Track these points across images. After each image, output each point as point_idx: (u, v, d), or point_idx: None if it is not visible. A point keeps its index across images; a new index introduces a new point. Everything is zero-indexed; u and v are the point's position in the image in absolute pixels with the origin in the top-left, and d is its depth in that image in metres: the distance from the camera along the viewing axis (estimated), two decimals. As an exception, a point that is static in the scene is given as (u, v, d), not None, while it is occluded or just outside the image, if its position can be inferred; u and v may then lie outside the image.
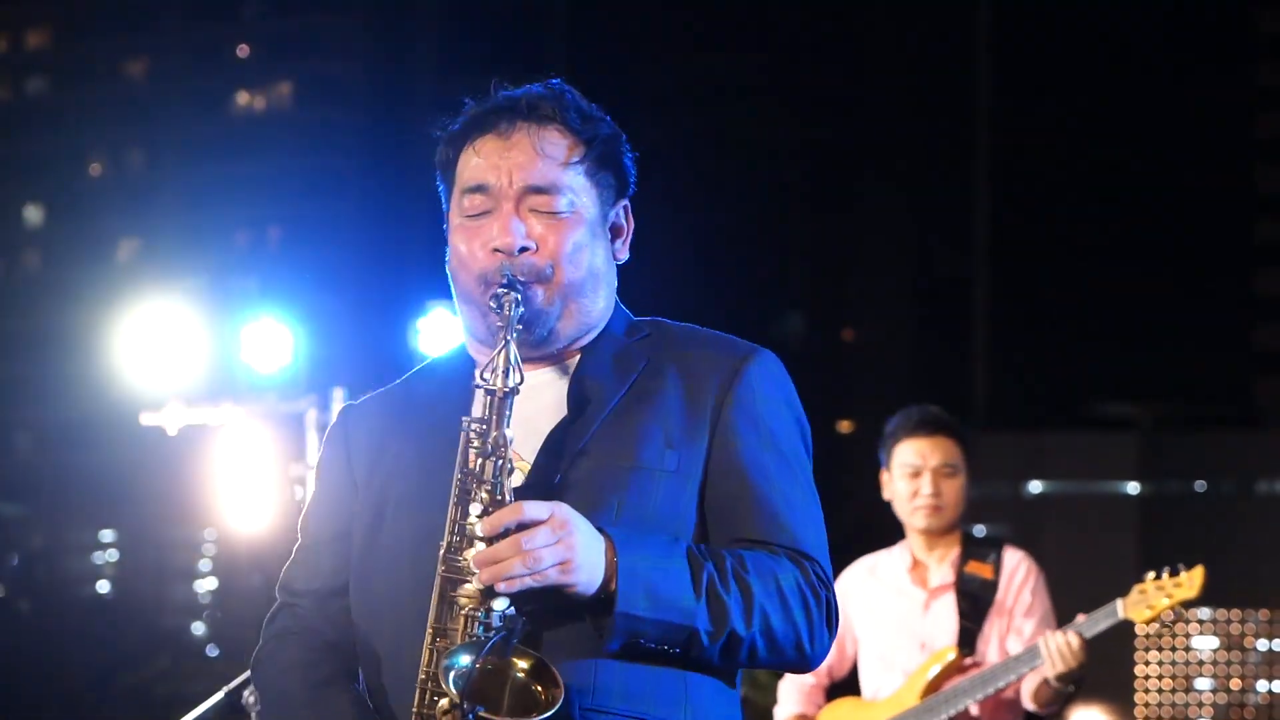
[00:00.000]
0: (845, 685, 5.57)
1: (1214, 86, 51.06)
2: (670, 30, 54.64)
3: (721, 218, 52.84)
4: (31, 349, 49.94)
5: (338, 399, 9.54)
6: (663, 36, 54.55)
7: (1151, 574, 5.07)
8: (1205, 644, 41.57)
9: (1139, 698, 41.11)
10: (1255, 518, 43.81)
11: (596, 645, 2.51)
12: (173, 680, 33.45)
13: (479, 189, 2.67)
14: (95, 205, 54.44)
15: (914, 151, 54.63)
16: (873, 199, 55.19)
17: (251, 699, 4.41)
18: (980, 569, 5.30)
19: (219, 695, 4.57)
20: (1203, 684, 41.67)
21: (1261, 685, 41.66)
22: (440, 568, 2.51)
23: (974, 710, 5.22)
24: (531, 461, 2.62)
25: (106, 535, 47.84)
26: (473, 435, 2.53)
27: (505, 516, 2.46)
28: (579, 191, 2.68)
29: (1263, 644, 41.89)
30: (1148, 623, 5.02)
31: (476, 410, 2.55)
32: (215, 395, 10.31)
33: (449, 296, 2.79)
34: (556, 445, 2.62)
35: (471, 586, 2.47)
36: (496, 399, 2.54)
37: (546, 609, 2.48)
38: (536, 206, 2.66)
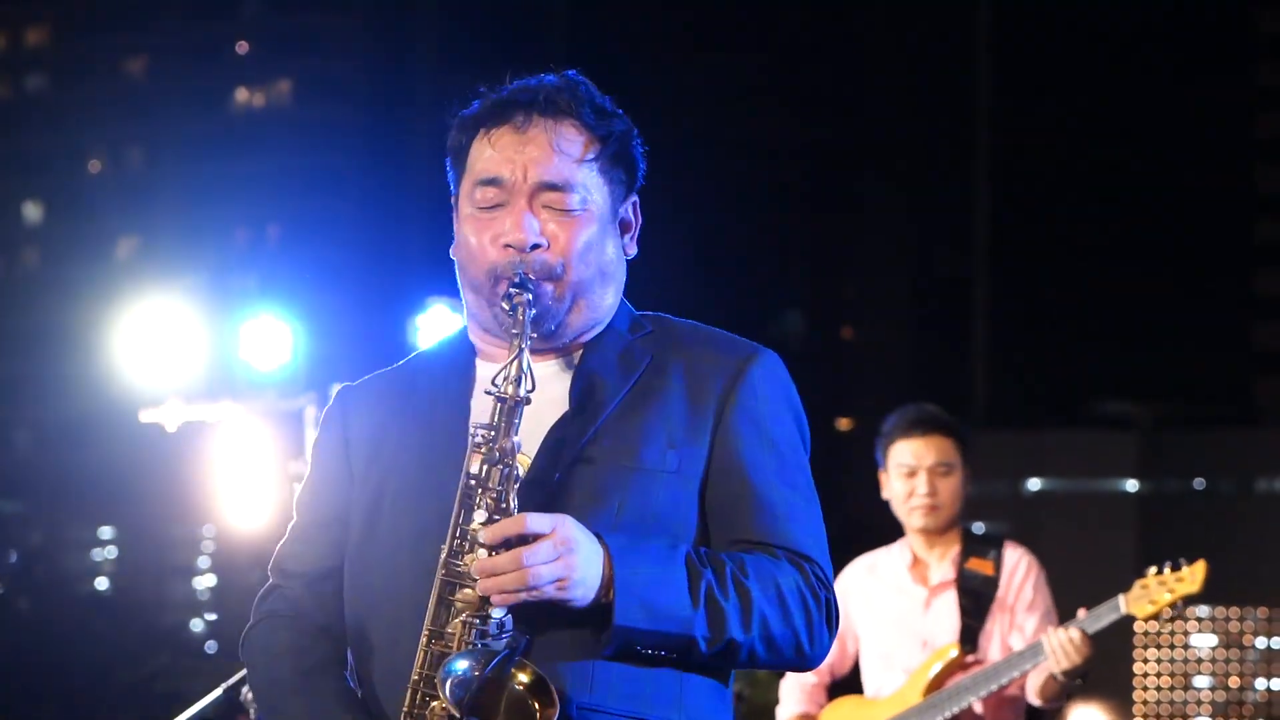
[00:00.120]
0: (847, 683, 5.57)
1: (1214, 86, 51.06)
2: (670, 30, 54.65)
3: (722, 217, 52.85)
4: (31, 346, 49.94)
5: (336, 396, 9.53)
6: (663, 36, 54.55)
7: (1153, 569, 5.07)
8: (1204, 642, 41.59)
9: (1138, 695, 41.12)
10: (1254, 516, 43.83)
11: (594, 647, 2.51)
12: (172, 677, 33.45)
13: (492, 182, 2.66)
14: (95, 203, 54.44)
15: (914, 151, 54.64)
16: (873, 198, 55.19)
17: (250, 696, 4.41)
18: (981, 566, 5.29)
19: (218, 692, 4.57)
20: (1201, 681, 41.68)
21: (1260, 683, 41.68)
22: (440, 571, 2.51)
23: (977, 708, 5.22)
24: (533, 457, 2.61)
25: (106, 532, 47.84)
26: (480, 441, 2.52)
27: (508, 528, 2.45)
28: (592, 188, 2.67)
29: (1261, 641, 41.90)
30: (1149, 618, 5.02)
31: (485, 416, 2.55)
32: (214, 392, 10.31)
33: (448, 294, 2.79)
34: (558, 441, 2.62)
35: (470, 592, 2.47)
36: (507, 407, 2.53)
37: (545, 612, 2.49)
38: (550, 203, 2.65)
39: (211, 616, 44.28)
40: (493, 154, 2.67)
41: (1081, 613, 5.04)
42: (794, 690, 5.61)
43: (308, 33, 55.13)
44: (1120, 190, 51.90)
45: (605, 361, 2.68)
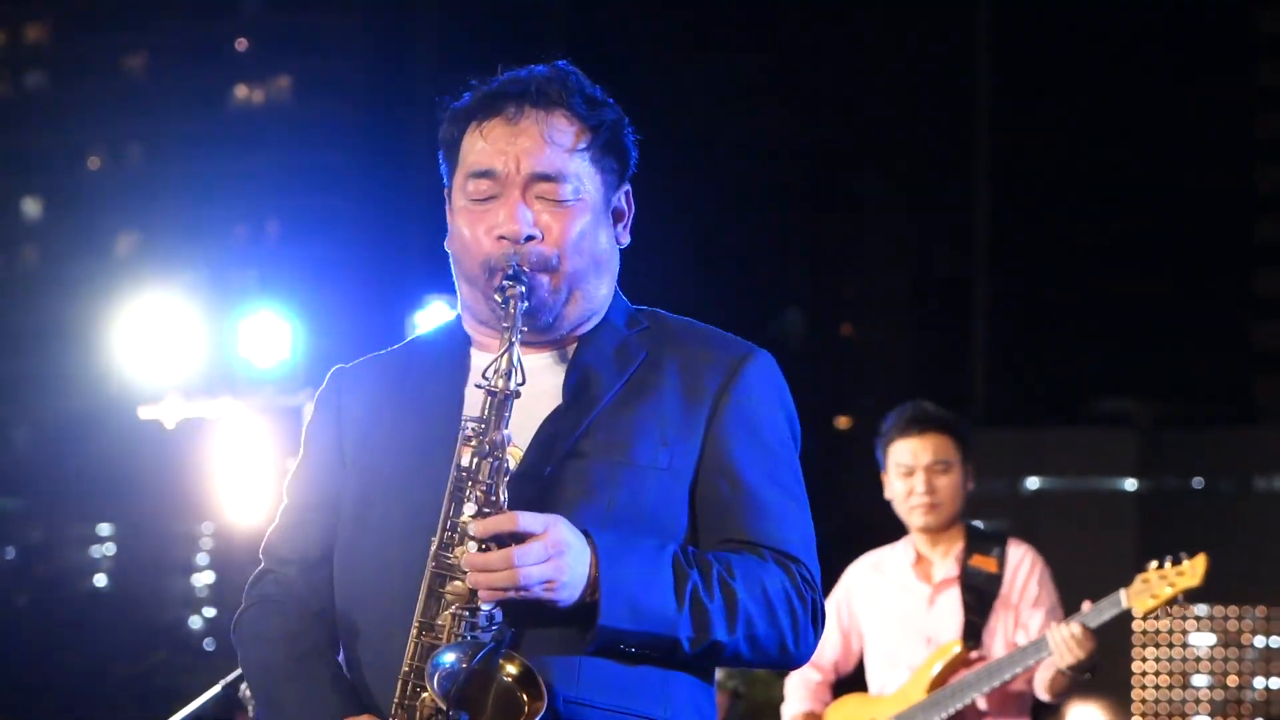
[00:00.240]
0: (852, 681, 5.58)
1: (1214, 86, 51.07)
2: (670, 30, 54.65)
3: (722, 215, 52.85)
4: (30, 343, 49.93)
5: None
6: (663, 36, 54.56)
7: (1154, 563, 5.08)
8: (1202, 640, 41.60)
9: (1136, 694, 41.14)
10: (1253, 515, 43.84)
11: (580, 642, 2.52)
12: (170, 673, 33.47)
13: (486, 174, 2.66)
14: (94, 199, 54.43)
15: (914, 150, 54.65)
16: (873, 197, 55.20)
17: (248, 693, 4.41)
18: (984, 563, 5.30)
19: (216, 688, 4.57)
20: (1200, 680, 41.69)
21: (1258, 681, 41.69)
22: (430, 563, 2.52)
23: (981, 704, 5.23)
24: (524, 449, 2.61)
25: (104, 528, 47.84)
26: (470, 434, 2.52)
27: (500, 524, 2.46)
28: (584, 178, 2.67)
29: (1260, 640, 41.91)
30: (1151, 611, 5.03)
31: (476, 409, 2.55)
32: (213, 389, 10.31)
33: (447, 291, 2.79)
34: (550, 435, 2.62)
35: (460, 584, 2.48)
36: (497, 400, 2.53)
37: (533, 606, 2.49)
38: (543, 194, 2.65)
39: (210, 613, 44.29)
40: (485, 146, 2.67)
41: (1086, 605, 5.05)
42: (799, 688, 5.61)
43: (307, 30, 55.13)
44: (1120, 189, 51.92)
45: (600, 356, 2.68)
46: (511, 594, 2.45)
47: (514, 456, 2.56)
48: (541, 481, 2.58)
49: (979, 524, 5.50)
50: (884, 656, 5.39)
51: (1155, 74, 51.63)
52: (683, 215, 46.81)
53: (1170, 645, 42.24)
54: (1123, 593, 5.04)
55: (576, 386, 2.65)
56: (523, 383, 2.53)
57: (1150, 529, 43.66)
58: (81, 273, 48.79)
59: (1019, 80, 53.43)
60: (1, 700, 30.90)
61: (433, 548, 2.52)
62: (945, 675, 5.23)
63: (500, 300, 2.58)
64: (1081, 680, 5.05)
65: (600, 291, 2.70)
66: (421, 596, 2.52)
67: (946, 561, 5.32)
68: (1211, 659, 42.36)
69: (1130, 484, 46.84)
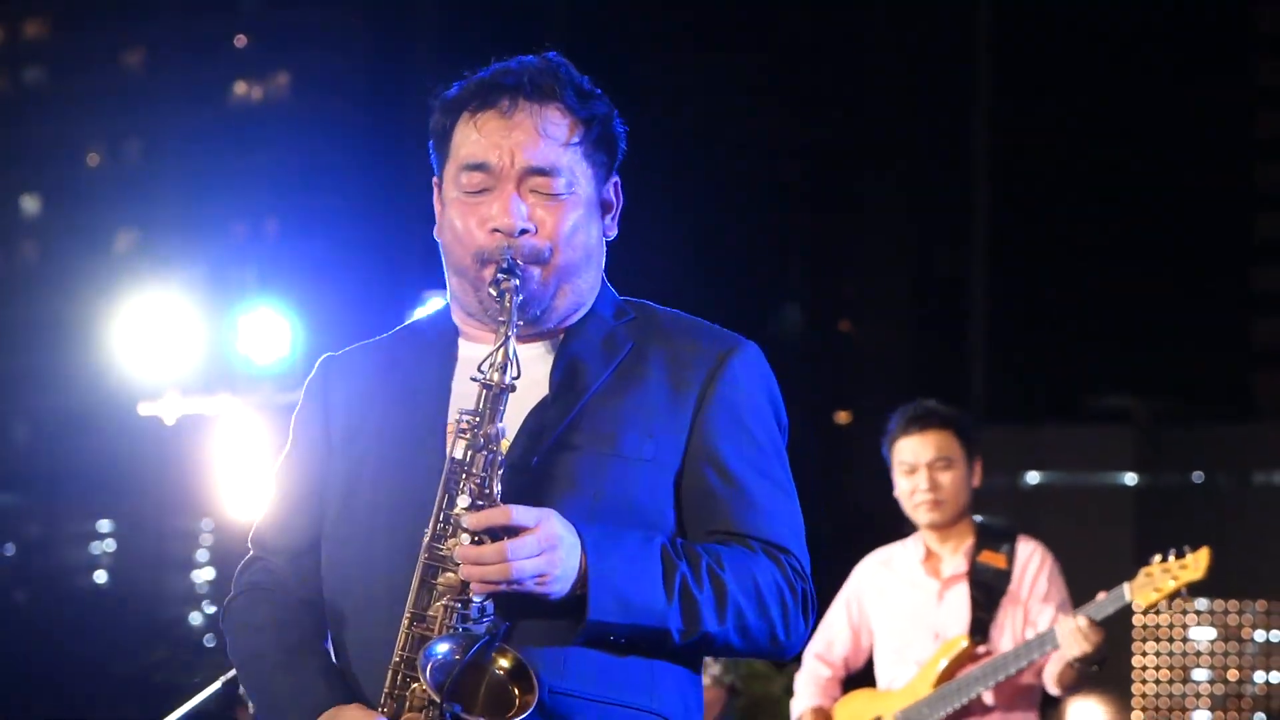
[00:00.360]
0: (862, 677, 5.60)
1: (1213, 85, 51.10)
2: (670, 28, 54.65)
3: (722, 213, 52.85)
4: (29, 339, 49.92)
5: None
6: (662, 34, 54.56)
7: (1158, 556, 5.10)
8: (1202, 635, 41.59)
9: (1136, 688, 41.12)
10: (1252, 510, 43.85)
11: (568, 633, 2.53)
12: (170, 670, 33.43)
13: (480, 167, 2.67)
14: (92, 195, 54.42)
15: (913, 147, 54.65)
16: (872, 194, 55.19)
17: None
18: (994, 559, 5.33)
19: (217, 684, 4.58)
20: (1200, 675, 41.68)
21: (1259, 676, 41.68)
22: (423, 554, 2.52)
23: (988, 698, 5.24)
24: (511, 439, 2.62)
25: (104, 525, 47.84)
26: (465, 427, 2.53)
27: (494, 518, 2.47)
28: (577, 172, 2.68)
29: (1260, 635, 41.90)
30: (1154, 604, 5.05)
31: (466, 399, 2.56)
32: (212, 386, 10.32)
33: (445, 287, 2.79)
34: (537, 426, 2.63)
35: (452, 576, 2.49)
36: (492, 394, 2.54)
37: (521, 598, 2.50)
38: (537, 187, 2.66)
39: (210, 609, 44.26)
40: (479, 138, 2.68)
41: (1101, 596, 5.06)
42: (809, 683, 5.63)
43: (306, 27, 55.13)
44: (1119, 186, 51.95)
45: (587, 347, 2.69)
46: (503, 587, 2.47)
47: (501, 447, 2.57)
48: (528, 472, 2.59)
49: (989, 521, 5.51)
50: (893, 652, 5.41)
51: (1154, 73, 51.67)
52: (683, 212, 46.84)
53: (1170, 640, 42.24)
54: (1126, 586, 5.06)
55: (563, 377, 2.66)
56: (518, 376, 2.54)
57: (1149, 524, 43.69)
58: (80, 269, 48.76)
59: (1018, 77, 53.45)
60: (0, 697, 30.91)
61: (425, 539, 2.53)
62: (952, 670, 5.25)
63: (495, 294, 2.59)
64: (1089, 672, 5.07)
65: (589, 283, 2.72)
66: (413, 587, 2.53)
67: (956, 558, 5.34)
68: (1212, 653, 42.35)
69: (1129, 479, 46.86)
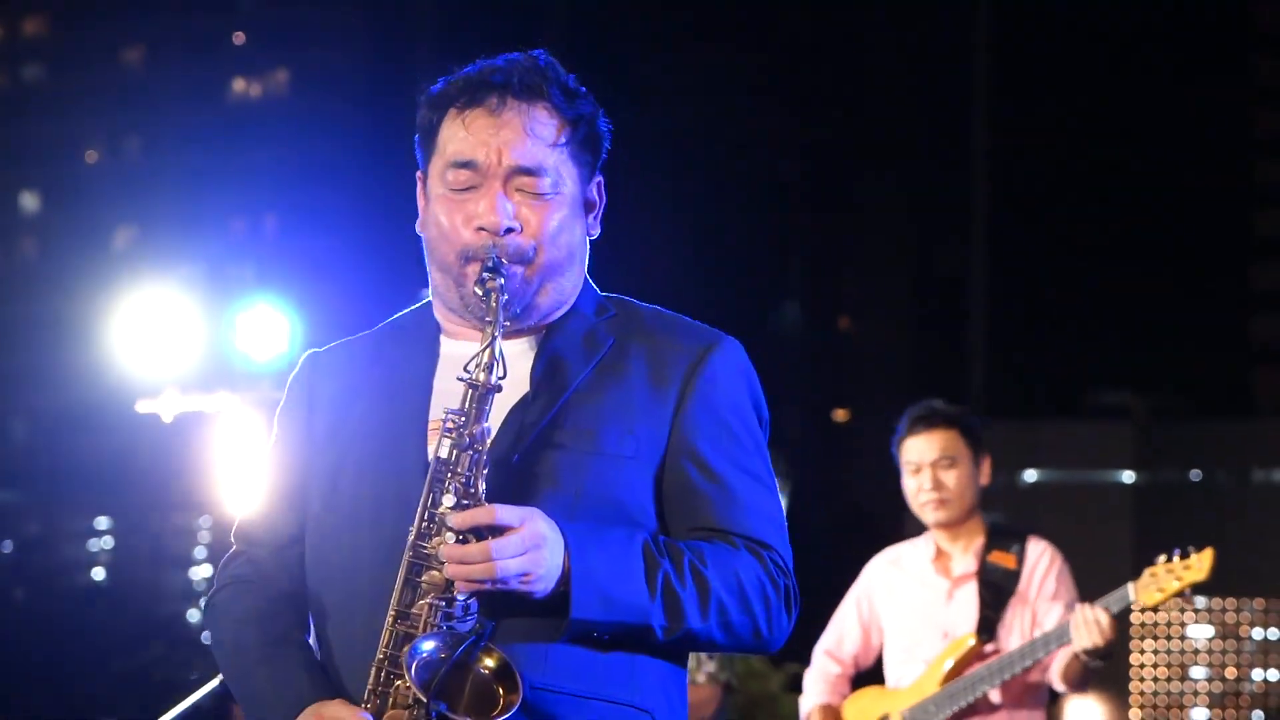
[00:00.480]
0: (871, 675, 5.61)
1: (1212, 83, 51.11)
2: (670, 26, 54.66)
3: (720, 210, 52.88)
4: (27, 336, 49.92)
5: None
6: (662, 32, 54.57)
7: (1163, 557, 5.11)
8: (1200, 633, 41.60)
9: (1134, 686, 41.14)
10: (1251, 508, 43.86)
11: (550, 630, 2.54)
12: (168, 667, 33.49)
13: (467, 164, 2.68)
14: (92, 192, 54.42)
15: (912, 145, 54.66)
16: (871, 192, 55.20)
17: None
18: (1003, 559, 5.34)
19: (215, 682, 4.57)
20: (1198, 672, 41.69)
21: (1257, 674, 41.70)
22: (408, 552, 2.53)
23: (995, 697, 5.26)
24: (493, 437, 2.63)
25: (102, 522, 47.83)
26: (451, 426, 2.54)
27: (479, 517, 2.48)
28: (562, 171, 2.69)
29: (1258, 632, 41.92)
30: (1158, 605, 5.07)
31: (448, 395, 2.57)
32: (211, 383, 10.31)
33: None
34: (518, 423, 2.64)
35: (437, 574, 2.50)
36: (478, 394, 2.55)
37: (503, 595, 2.51)
38: (523, 186, 2.67)
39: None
40: (466, 136, 2.69)
41: (1131, 587, 5.07)
42: (818, 680, 5.65)
43: (305, 24, 55.12)
44: (1118, 184, 51.97)
45: (568, 343, 2.70)
46: (487, 585, 2.47)
47: (486, 447, 2.58)
48: (510, 470, 2.60)
49: (1000, 520, 5.52)
50: (902, 651, 5.43)
51: (1153, 71, 51.69)
52: (683, 211, 46.87)
53: (1168, 637, 42.26)
54: (1130, 586, 5.07)
55: (545, 375, 2.67)
56: (504, 376, 2.55)
57: (1148, 522, 43.72)
58: (79, 266, 48.76)
59: (1017, 76, 53.47)
60: (0, 693, 30.92)
61: (410, 537, 2.54)
62: (959, 668, 5.27)
63: (481, 293, 2.60)
64: (1095, 666, 5.09)
65: (571, 281, 2.73)
66: (398, 585, 2.54)
67: (966, 557, 5.36)
68: (1210, 651, 42.37)
69: (1128, 477, 46.88)
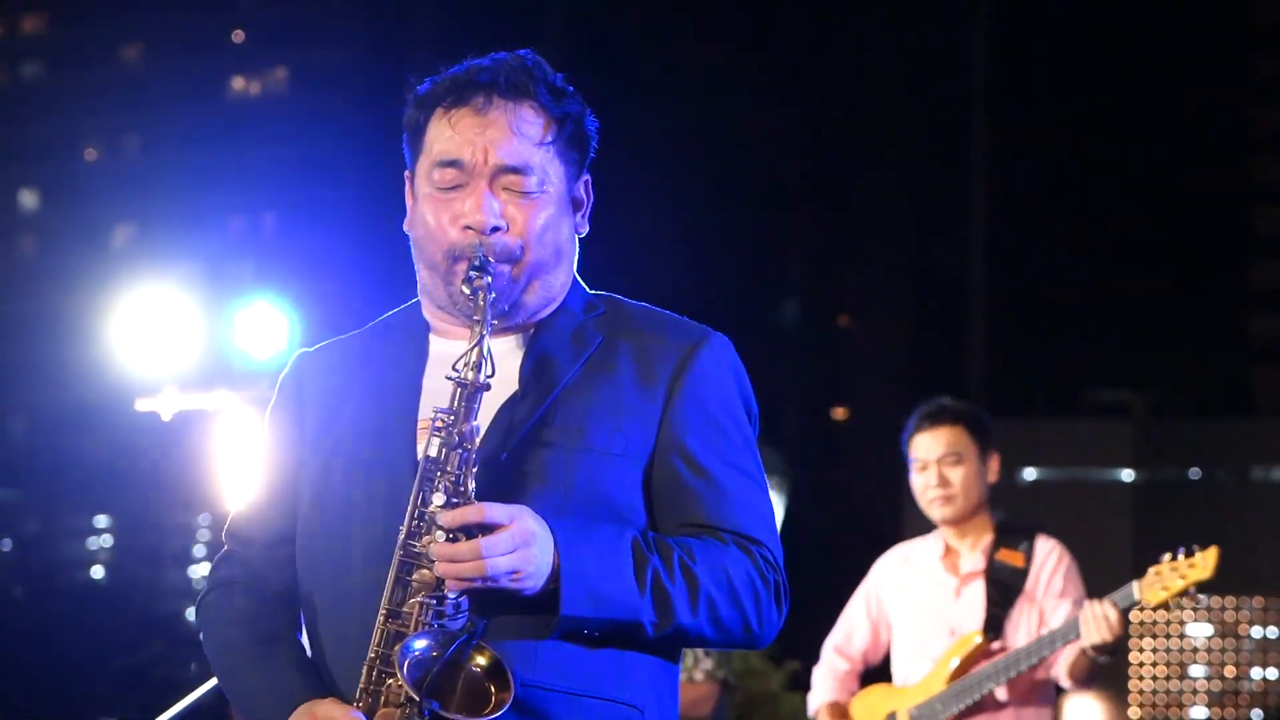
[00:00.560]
0: (880, 671, 5.62)
1: (1211, 80, 51.07)
2: (669, 24, 54.61)
3: (720, 208, 52.86)
4: (26, 334, 49.92)
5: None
6: (661, 29, 54.52)
7: (1168, 555, 5.12)
8: (1199, 631, 41.55)
9: (1133, 685, 41.10)
10: (1250, 506, 43.79)
11: (539, 627, 2.54)
12: (167, 665, 33.46)
13: (453, 163, 2.69)
14: (90, 191, 54.41)
15: (911, 143, 54.64)
16: (870, 190, 55.19)
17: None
18: (1011, 557, 5.36)
19: (214, 680, 4.56)
20: (1197, 671, 41.63)
21: (1255, 672, 41.63)
22: (398, 551, 2.53)
23: (1001, 694, 5.27)
24: (483, 435, 2.63)
25: (101, 520, 47.83)
26: (440, 425, 2.54)
27: (468, 515, 2.49)
28: (549, 170, 2.70)
29: (1257, 631, 41.86)
30: (1162, 603, 5.09)
31: (437, 394, 2.57)
32: (210, 381, 10.30)
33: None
34: (507, 421, 2.64)
35: (427, 572, 2.50)
36: (466, 392, 2.55)
37: (493, 592, 2.51)
38: (509, 185, 2.68)
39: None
40: (453, 135, 2.70)
41: (1135, 585, 5.07)
42: (826, 677, 5.66)
43: (304, 22, 55.10)
44: (1117, 182, 51.94)
45: (557, 341, 2.71)
46: (478, 583, 2.47)
47: (475, 445, 2.58)
48: (499, 467, 2.61)
49: (1009, 518, 5.53)
50: (910, 648, 5.45)
51: (1152, 70, 51.65)
52: (681, 209, 46.85)
53: (1167, 636, 42.23)
54: (1135, 585, 5.08)
55: (533, 373, 2.68)
56: (492, 374, 2.55)
57: (1148, 520, 43.68)
58: (78, 264, 48.74)
59: (1016, 74, 53.45)
60: (-2, 692, 30.91)
61: (400, 536, 2.55)
62: (965, 666, 5.28)
63: (467, 292, 2.60)
64: (1103, 661, 5.10)
65: (559, 280, 2.74)
66: (388, 584, 2.55)
67: (974, 554, 5.37)
68: (1209, 649, 42.32)
69: (1127, 475, 46.82)
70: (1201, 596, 40.69)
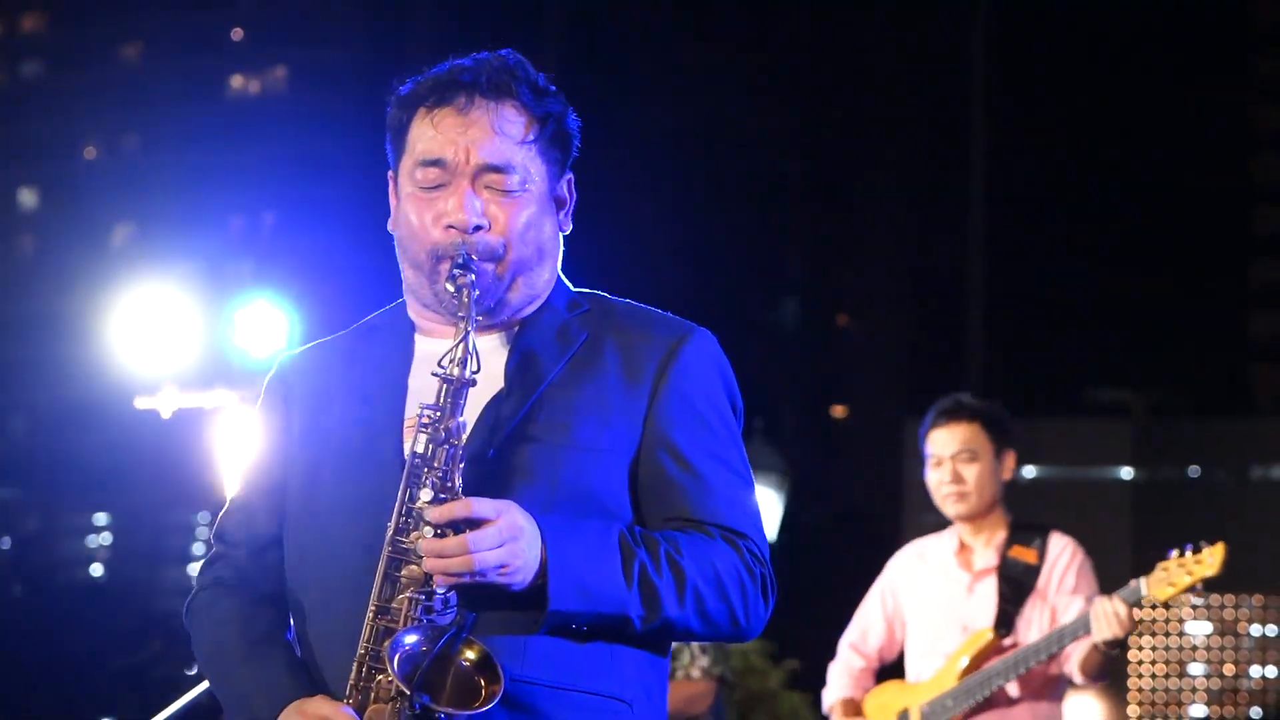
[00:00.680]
0: (896, 668, 5.63)
1: (1210, 79, 51.12)
2: (669, 22, 54.66)
3: (719, 207, 52.93)
4: (26, 332, 49.94)
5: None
6: (661, 28, 54.57)
7: (1175, 552, 5.13)
8: (1199, 629, 41.65)
9: (1132, 683, 41.19)
10: (1249, 504, 43.88)
11: (529, 622, 2.56)
12: (166, 663, 33.47)
13: (435, 163, 2.70)
14: (90, 189, 54.43)
15: (911, 141, 54.69)
16: (869, 189, 55.23)
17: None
18: (1024, 554, 5.37)
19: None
20: (1196, 669, 41.73)
21: (1255, 670, 41.75)
22: (386, 547, 2.55)
23: (1013, 690, 5.28)
24: (469, 432, 2.65)
25: (100, 518, 47.86)
26: (426, 421, 2.55)
27: (455, 511, 2.50)
28: (531, 169, 2.71)
29: (1256, 629, 41.96)
30: (1170, 599, 5.10)
31: (423, 392, 2.59)
32: (209, 379, 10.32)
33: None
34: (493, 418, 2.66)
35: (415, 568, 2.51)
36: (452, 388, 2.57)
37: (482, 588, 2.53)
38: (491, 184, 2.69)
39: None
40: (435, 135, 2.71)
41: (1133, 583, 5.09)
42: (842, 673, 5.68)
43: (303, 20, 55.11)
44: (1116, 181, 51.99)
45: (542, 339, 2.72)
46: (466, 578, 2.49)
47: (462, 441, 2.60)
48: (486, 464, 2.62)
49: (1023, 516, 5.54)
50: (923, 644, 5.46)
51: (1152, 69, 51.71)
52: (681, 207, 46.88)
53: (1166, 634, 42.31)
54: (1143, 581, 5.09)
55: (518, 370, 2.69)
56: (478, 370, 2.57)
57: (1147, 519, 43.76)
58: (77, 263, 48.77)
59: (1016, 73, 53.51)
60: (-2, 690, 30.93)
61: (389, 533, 2.56)
62: (977, 663, 5.29)
63: (451, 289, 2.62)
64: (1111, 655, 5.11)
65: (543, 278, 2.75)
66: (377, 580, 2.56)
67: (987, 551, 5.38)
68: (1208, 648, 42.41)
69: (1127, 473, 46.92)
70: (1200, 595, 40.84)
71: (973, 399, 5.54)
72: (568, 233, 2.81)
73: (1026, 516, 5.55)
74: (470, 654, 2.49)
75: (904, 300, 55.83)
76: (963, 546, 5.46)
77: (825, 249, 56.39)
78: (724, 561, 2.66)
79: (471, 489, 2.56)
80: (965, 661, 5.30)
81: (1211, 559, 5.09)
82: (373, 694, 2.54)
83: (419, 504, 2.53)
